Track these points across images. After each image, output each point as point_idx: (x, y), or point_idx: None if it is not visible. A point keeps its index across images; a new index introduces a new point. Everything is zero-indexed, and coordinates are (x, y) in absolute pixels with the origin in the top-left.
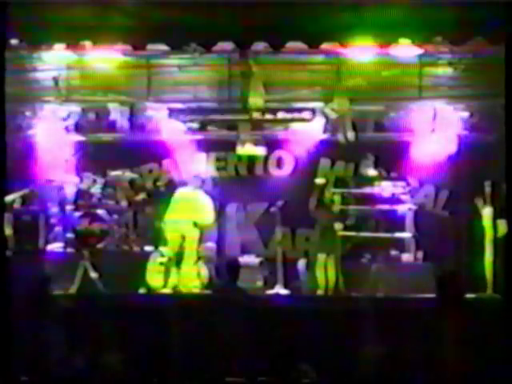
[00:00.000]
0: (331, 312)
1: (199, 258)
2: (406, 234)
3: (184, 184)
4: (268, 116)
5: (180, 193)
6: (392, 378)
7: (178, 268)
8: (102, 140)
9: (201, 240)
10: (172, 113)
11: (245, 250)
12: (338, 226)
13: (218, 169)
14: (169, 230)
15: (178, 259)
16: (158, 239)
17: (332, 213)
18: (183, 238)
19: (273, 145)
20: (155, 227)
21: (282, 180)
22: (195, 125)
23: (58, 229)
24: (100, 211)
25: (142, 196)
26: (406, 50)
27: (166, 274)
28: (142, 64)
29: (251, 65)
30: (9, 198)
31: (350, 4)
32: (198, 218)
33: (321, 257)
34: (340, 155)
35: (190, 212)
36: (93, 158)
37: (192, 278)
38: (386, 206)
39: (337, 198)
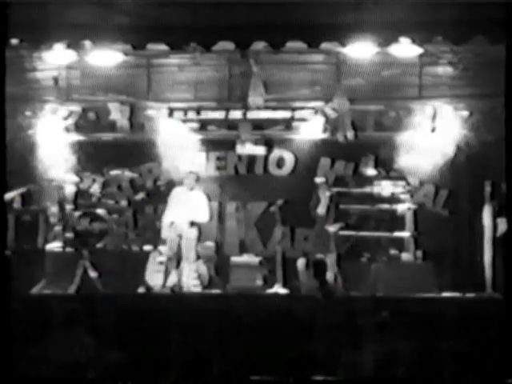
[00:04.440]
0: (330, 312)
1: (198, 257)
2: (406, 234)
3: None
4: (268, 115)
5: (175, 192)
6: (390, 378)
7: (177, 267)
8: (102, 139)
9: (199, 239)
10: (172, 112)
11: (244, 249)
12: (337, 225)
13: (218, 168)
14: (166, 229)
15: (176, 258)
16: (157, 239)
17: (331, 212)
18: (180, 237)
19: (273, 144)
20: (155, 227)
21: (282, 179)
22: (195, 124)
23: (57, 228)
24: (100, 211)
25: (141, 195)
26: (406, 49)
27: (166, 273)
28: (142, 64)
29: (251, 64)
30: (8, 196)
31: (349, 4)
32: (193, 217)
33: (320, 256)
34: (340, 154)
35: (185, 211)
36: (93, 157)
37: (191, 277)
38: (385, 206)
39: (336, 198)
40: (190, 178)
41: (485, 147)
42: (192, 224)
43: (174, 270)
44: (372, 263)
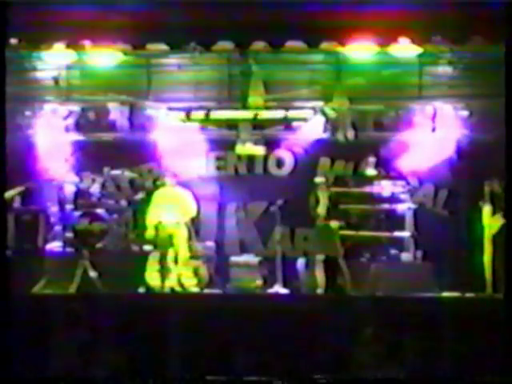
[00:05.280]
0: (330, 311)
1: (193, 256)
2: (406, 233)
3: (181, 183)
4: (268, 115)
5: (158, 193)
6: (390, 377)
7: (175, 267)
8: (102, 139)
9: (190, 237)
10: (172, 112)
11: (244, 249)
12: (337, 225)
13: (218, 168)
14: (156, 230)
15: (172, 258)
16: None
17: (331, 212)
18: (171, 236)
19: (273, 144)
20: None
21: (282, 179)
22: (195, 124)
23: (57, 228)
24: (99, 210)
25: (141, 195)
26: (405, 49)
27: (164, 272)
28: (142, 63)
29: (251, 64)
30: (7, 195)
31: (349, 4)
32: (181, 215)
33: (320, 256)
34: (340, 154)
35: (172, 210)
36: (92, 157)
37: (189, 276)
38: (385, 205)
39: (336, 198)
40: (169, 176)
41: (485, 147)
42: (181, 222)
43: (174, 270)
44: (372, 263)
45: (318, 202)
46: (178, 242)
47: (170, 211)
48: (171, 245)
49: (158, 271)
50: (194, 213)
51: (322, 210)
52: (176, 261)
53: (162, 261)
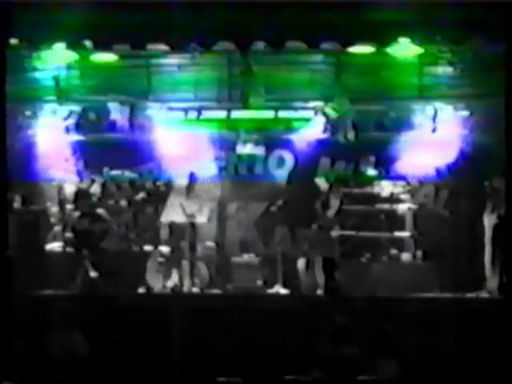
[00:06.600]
0: (330, 312)
1: (199, 258)
2: (406, 234)
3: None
4: (268, 115)
5: (173, 193)
6: (390, 378)
7: (177, 267)
8: (102, 139)
9: (198, 238)
10: (172, 112)
11: (245, 250)
12: (337, 225)
13: (218, 168)
14: (166, 229)
15: (177, 258)
16: (157, 239)
17: (331, 212)
18: (181, 237)
19: (273, 144)
20: (155, 227)
21: (282, 180)
22: (195, 124)
23: (57, 228)
24: (100, 211)
25: (141, 196)
26: (405, 49)
27: (166, 273)
28: (142, 64)
29: (251, 64)
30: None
31: (349, 4)
32: (193, 216)
33: (320, 256)
34: (340, 155)
35: (185, 211)
36: (93, 157)
37: (191, 276)
38: (385, 206)
39: (337, 198)
40: (187, 178)
41: (485, 147)
42: (192, 223)
43: (175, 270)
44: (372, 263)
45: (327, 203)
46: (188, 242)
47: (183, 211)
48: (179, 246)
49: (160, 272)
50: (205, 217)
51: (332, 212)
52: (179, 261)
53: (167, 262)
